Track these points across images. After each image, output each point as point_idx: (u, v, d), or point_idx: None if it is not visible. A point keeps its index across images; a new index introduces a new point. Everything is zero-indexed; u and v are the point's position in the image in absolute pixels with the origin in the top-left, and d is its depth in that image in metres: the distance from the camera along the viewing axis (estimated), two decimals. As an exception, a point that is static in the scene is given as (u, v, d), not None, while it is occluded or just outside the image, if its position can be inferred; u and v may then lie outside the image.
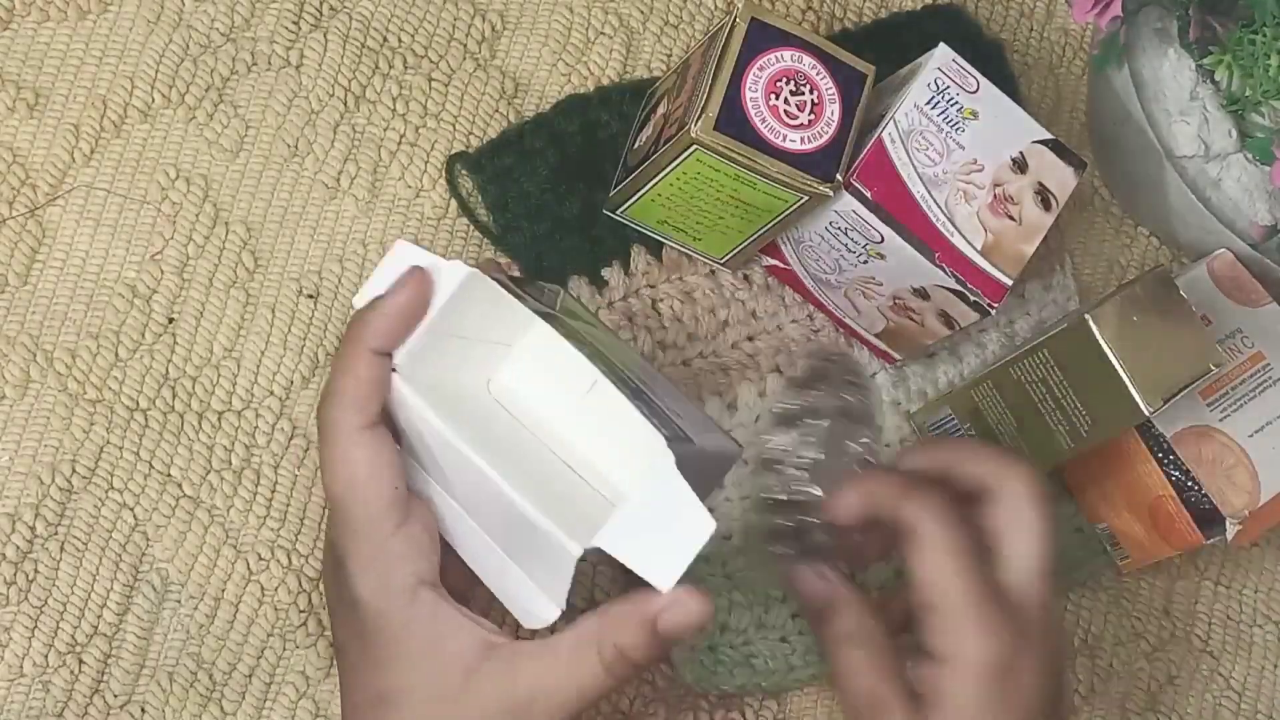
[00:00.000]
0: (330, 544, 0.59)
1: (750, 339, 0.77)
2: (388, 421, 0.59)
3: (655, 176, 0.70)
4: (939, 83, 0.71)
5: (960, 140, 0.70)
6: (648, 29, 0.79)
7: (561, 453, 0.60)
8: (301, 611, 0.71)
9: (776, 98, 0.68)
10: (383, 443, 0.57)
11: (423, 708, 0.57)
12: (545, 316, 0.59)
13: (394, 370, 0.57)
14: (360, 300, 0.58)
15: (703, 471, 0.60)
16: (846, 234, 0.71)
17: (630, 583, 0.56)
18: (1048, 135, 0.72)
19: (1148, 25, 0.78)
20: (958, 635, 0.59)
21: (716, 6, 0.80)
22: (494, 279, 0.59)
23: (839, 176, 0.68)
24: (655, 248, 0.76)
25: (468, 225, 0.75)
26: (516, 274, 0.63)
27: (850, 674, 0.61)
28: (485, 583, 0.60)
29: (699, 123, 0.67)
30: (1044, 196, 0.71)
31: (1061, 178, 0.72)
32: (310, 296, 0.73)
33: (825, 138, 0.68)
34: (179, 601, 0.70)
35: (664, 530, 0.55)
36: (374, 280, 0.58)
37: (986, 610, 0.59)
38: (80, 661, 0.68)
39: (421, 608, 0.57)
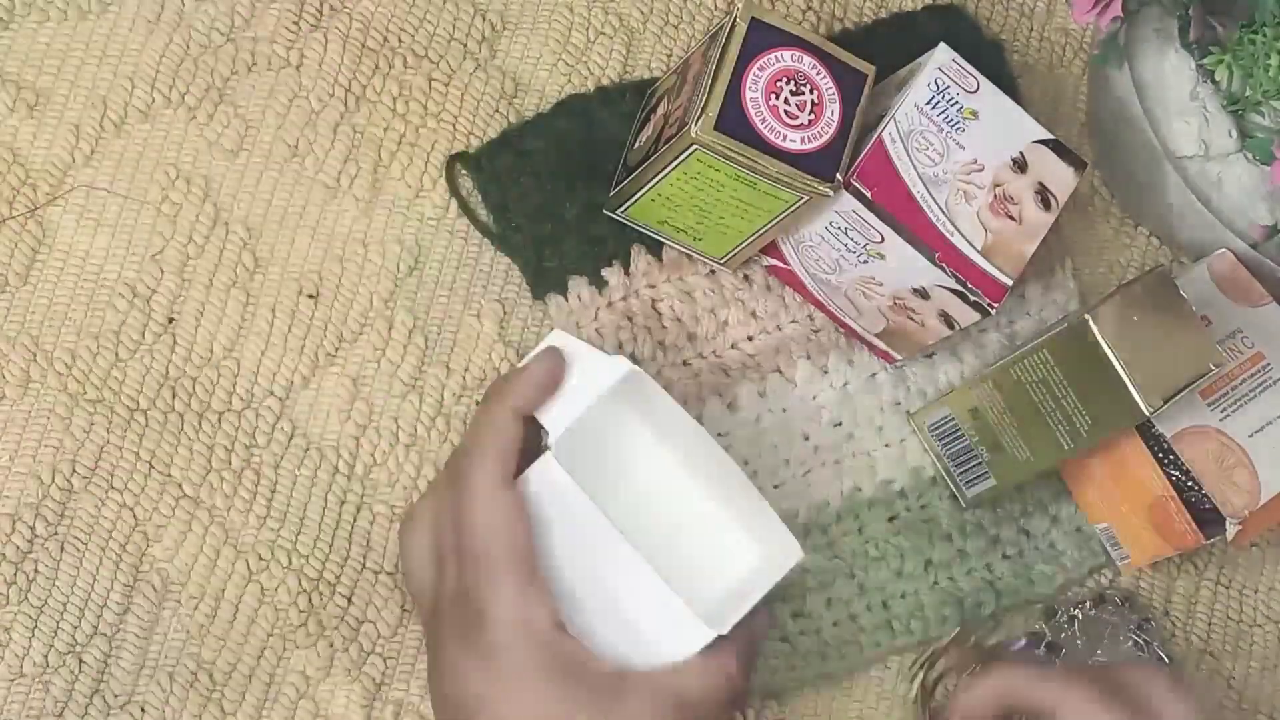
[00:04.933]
0: (460, 598, 0.61)
1: (750, 339, 0.77)
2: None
3: (655, 176, 0.70)
4: (939, 83, 0.71)
5: (960, 140, 0.70)
6: (648, 29, 0.79)
7: (698, 538, 0.65)
8: (301, 611, 0.71)
9: (776, 98, 0.68)
10: (519, 497, 0.61)
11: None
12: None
13: (546, 447, 0.62)
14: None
15: None
16: (846, 234, 0.71)
17: None
18: (1048, 135, 0.72)
19: (1148, 25, 0.78)
20: None
21: (716, 6, 0.80)
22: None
23: (839, 176, 0.68)
24: (655, 248, 0.76)
25: (468, 225, 0.75)
26: None
27: None
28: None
29: (699, 123, 0.66)
30: (1044, 196, 0.71)
31: (1061, 178, 0.72)
32: (310, 296, 0.73)
33: (825, 138, 0.68)
34: (179, 601, 0.70)
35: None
36: (529, 356, 0.65)
37: None
38: (80, 661, 0.68)
39: (562, 644, 0.60)
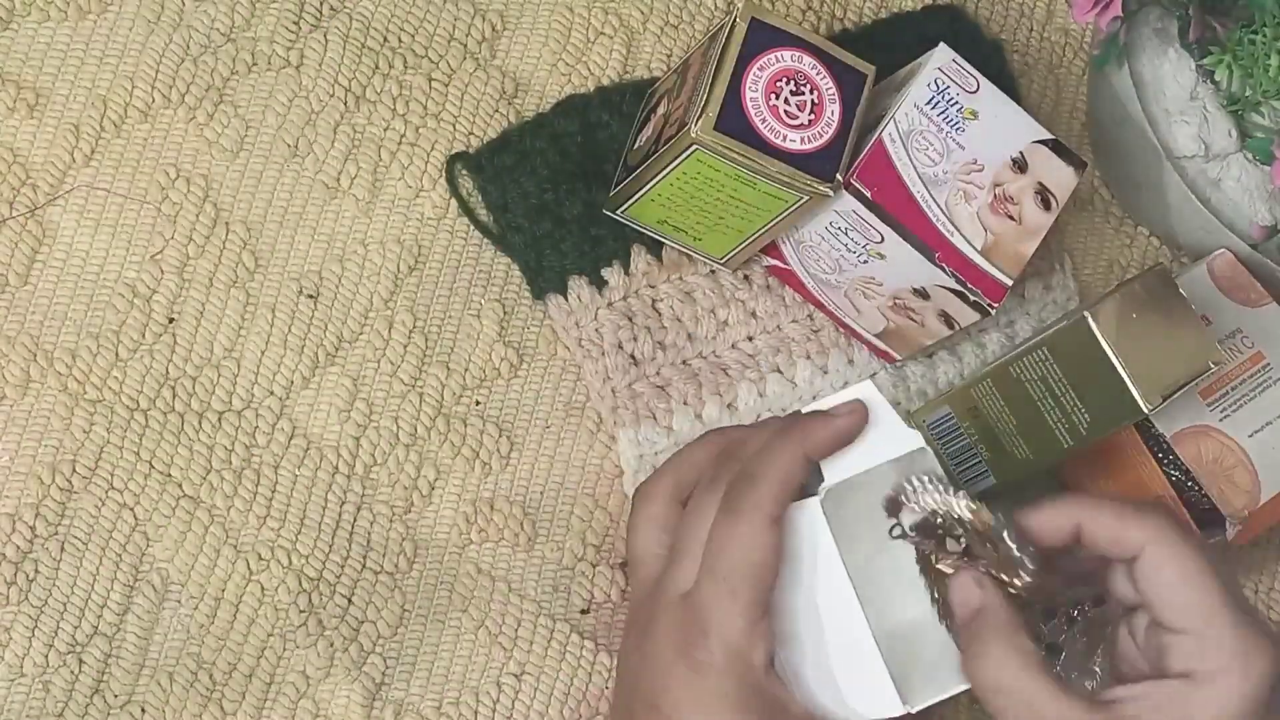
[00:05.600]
0: (693, 606, 0.62)
1: (750, 339, 0.77)
2: None
3: (655, 176, 0.70)
4: (939, 83, 0.71)
5: (960, 140, 0.70)
6: (648, 29, 0.79)
7: (922, 620, 0.66)
8: (301, 611, 0.71)
9: (776, 98, 0.68)
10: (781, 537, 0.63)
11: None
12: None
13: (815, 493, 0.64)
14: (810, 408, 0.65)
15: None
16: (846, 234, 0.71)
17: None
18: (1048, 135, 0.72)
19: (1148, 25, 0.78)
20: (1220, 654, 0.60)
21: (716, 6, 0.80)
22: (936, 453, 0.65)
23: (839, 176, 0.68)
24: (655, 248, 0.76)
25: (468, 225, 0.75)
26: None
27: (1008, 678, 0.62)
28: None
29: (699, 123, 0.67)
30: (1044, 196, 0.71)
31: (1061, 178, 0.72)
32: (310, 296, 0.73)
33: (825, 138, 0.68)
34: (179, 601, 0.70)
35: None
36: (828, 399, 0.66)
37: (1248, 628, 0.60)
38: (80, 661, 0.68)
39: (770, 685, 0.62)
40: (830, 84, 0.69)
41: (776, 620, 0.64)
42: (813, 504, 0.64)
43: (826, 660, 0.64)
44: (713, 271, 0.77)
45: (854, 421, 0.64)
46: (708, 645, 0.62)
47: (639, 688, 0.64)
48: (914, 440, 0.65)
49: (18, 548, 0.68)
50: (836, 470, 0.65)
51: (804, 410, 0.66)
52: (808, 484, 0.65)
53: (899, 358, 0.77)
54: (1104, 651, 0.76)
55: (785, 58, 0.68)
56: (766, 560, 0.62)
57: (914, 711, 0.64)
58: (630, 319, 0.76)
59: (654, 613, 0.64)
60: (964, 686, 0.64)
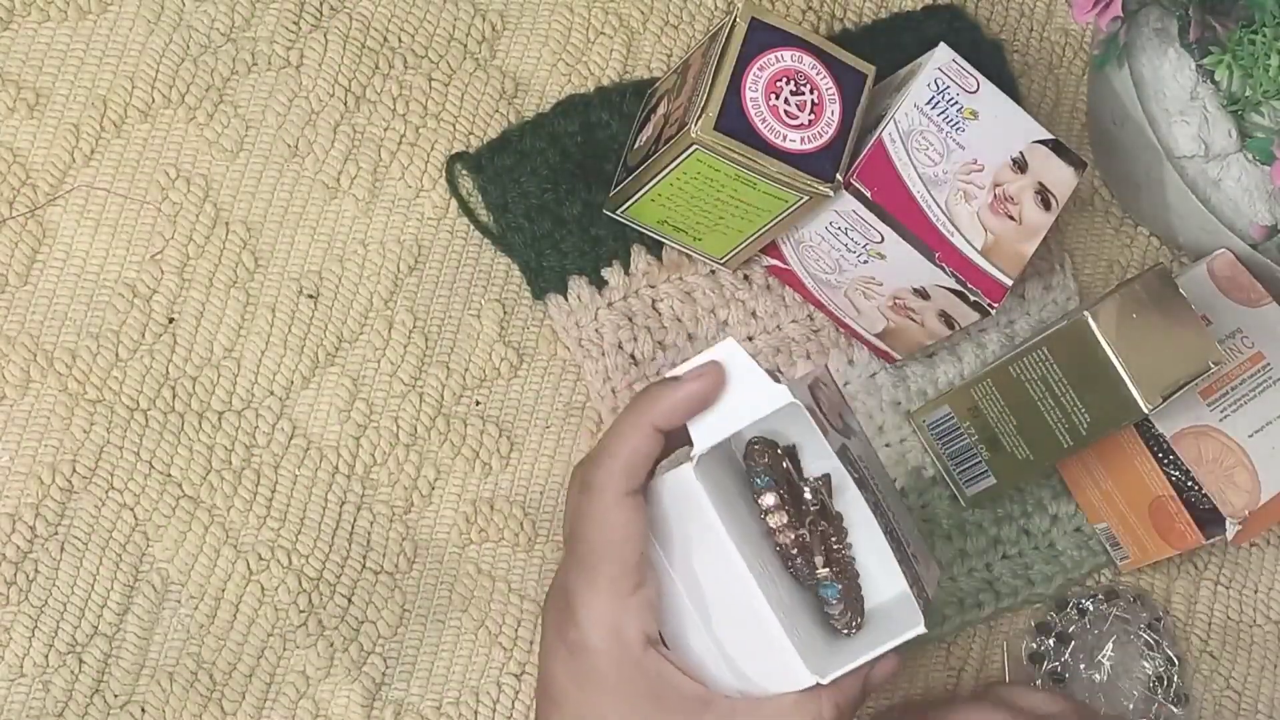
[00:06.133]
0: (563, 589, 0.62)
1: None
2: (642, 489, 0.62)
3: (655, 176, 0.70)
4: (939, 83, 0.71)
5: (960, 140, 0.70)
6: (648, 29, 0.79)
7: (807, 598, 0.64)
8: (301, 611, 0.71)
9: (776, 98, 0.68)
10: (639, 510, 0.61)
11: None
12: (841, 448, 0.63)
13: (691, 461, 0.61)
14: (669, 374, 0.62)
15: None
16: (846, 234, 0.71)
17: None
18: (1048, 135, 0.72)
19: (1148, 25, 0.78)
20: None
21: (716, 6, 0.80)
22: (808, 407, 0.61)
23: (839, 176, 0.68)
24: (655, 248, 0.76)
25: (468, 225, 0.75)
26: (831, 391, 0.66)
27: None
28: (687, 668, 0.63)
29: (699, 123, 0.67)
30: (1044, 196, 0.71)
31: (1061, 178, 0.72)
32: (310, 296, 0.73)
33: (825, 138, 0.68)
34: (179, 601, 0.70)
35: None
36: (686, 364, 0.62)
37: None
38: (80, 661, 0.68)
39: (650, 661, 0.60)
40: (830, 84, 0.69)
41: (668, 595, 0.62)
42: (685, 471, 0.61)
43: (722, 633, 0.62)
44: (713, 271, 0.77)
45: (703, 385, 0.61)
46: (577, 626, 0.61)
47: (540, 679, 0.64)
48: (782, 396, 0.61)
49: (18, 548, 0.68)
50: (705, 434, 0.61)
51: (662, 375, 0.64)
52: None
53: (899, 358, 0.77)
54: (1114, 646, 0.76)
55: (785, 58, 0.68)
56: (624, 536, 0.60)
57: (825, 683, 0.61)
58: (630, 319, 0.76)
59: (546, 599, 0.64)
60: (878, 652, 0.62)
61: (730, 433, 0.61)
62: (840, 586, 0.62)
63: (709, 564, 0.61)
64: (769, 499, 0.62)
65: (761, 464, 0.62)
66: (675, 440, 0.62)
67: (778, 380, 0.60)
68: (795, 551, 0.62)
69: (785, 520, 0.62)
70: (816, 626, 0.63)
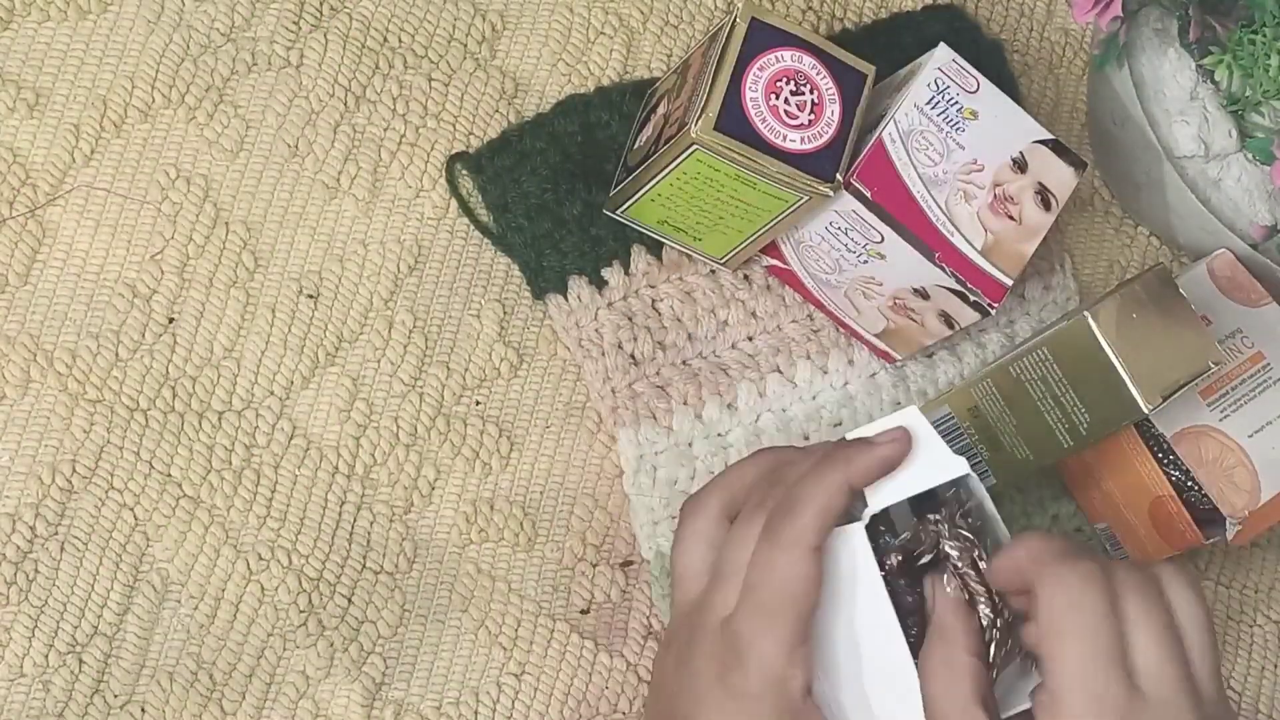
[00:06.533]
0: (732, 633, 0.63)
1: (750, 339, 0.77)
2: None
3: (655, 176, 0.70)
4: (939, 83, 0.71)
5: (960, 140, 0.70)
6: (648, 29, 0.79)
7: None
8: (301, 611, 0.71)
9: (776, 98, 0.68)
10: (820, 565, 0.62)
11: None
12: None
13: (857, 517, 0.63)
14: (855, 434, 0.64)
15: None
16: (846, 234, 0.71)
17: None
18: (1048, 135, 0.72)
19: (1148, 25, 0.78)
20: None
21: (716, 6, 0.80)
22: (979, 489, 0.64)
23: (839, 176, 0.68)
24: (655, 248, 0.76)
25: (468, 225, 0.75)
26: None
27: (950, 700, 0.62)
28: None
29: (699, 123, 0.67)
30: (1044, 196, 0.71)
31: (1061, 178, 0.72)
32: (310, 296, 0.73)
33: (825, 138, 0.68)
34: (179, 601, 0.70)
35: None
36: (872, 425, 0.65)
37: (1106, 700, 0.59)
38: (80, 661, 0.68)
39: (807, 712, 0.62)
40: (830, 84, 0.69)
41: (817, 648, 0.63)
42: (856, 530, 0.63)
43: (866, 689, 0.64)
44: (713, 271, 0.77)
45: (896, 450, 0.63)
46: (744, 672, 0.62)
47: (676, 710, 0.65)
48: (959, 466, 0.64)
49: (18, 548, 0.68)
50: (880, 496, 0.64)
51: (849, 436, 0.65)
52: (852, 508, 0.64)
53: (899, 358, 0.77)
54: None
55: (785, 58, 0.68)
56: (805, 590, 0.62)
57: None
58: (630, 319, 0.76)
59: (693, 635, 0.64)
60: (1009, 712, 0.63)
61: (906, 496, 0.63)
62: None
63: (863, 619, 0.63)
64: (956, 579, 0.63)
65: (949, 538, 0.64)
66: None
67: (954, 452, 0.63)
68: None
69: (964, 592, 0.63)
70: None
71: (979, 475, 0.75)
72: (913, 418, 0.64)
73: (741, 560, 0.64)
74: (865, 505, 0.64)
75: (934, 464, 0.64)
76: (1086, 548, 0.64)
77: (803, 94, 0.68)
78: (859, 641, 0.63)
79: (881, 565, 0.63)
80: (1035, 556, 0.61)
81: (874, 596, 0.62)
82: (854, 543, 0.63)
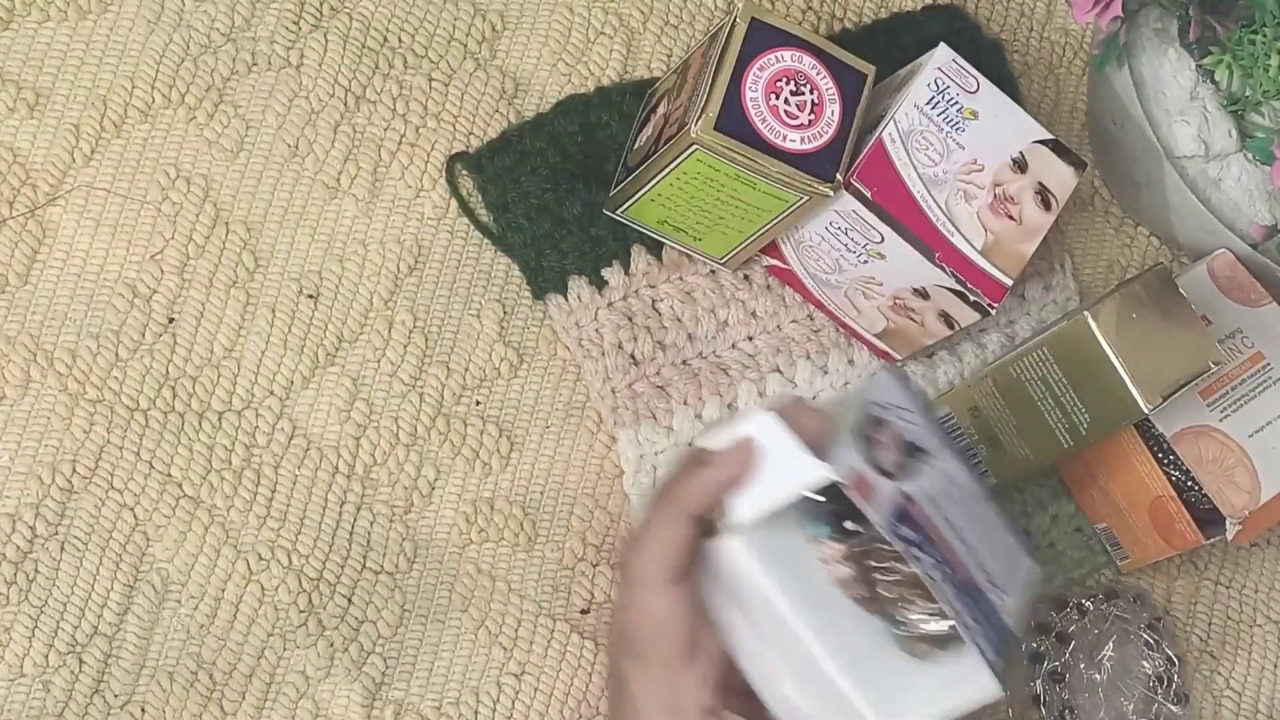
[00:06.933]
0: (617, 676, 0.64)
1: (750, 339, 0.77)
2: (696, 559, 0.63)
3: (655, 176, 0.70)
4: (939, 83, 0.71)
5: (960, 140, 0.70)
6: (648, 29, 0.79)
7: (881, 646, 0.64)
8: (301, 611, 0.71)
9: (777, 98, 0.68)
10: (683, 594, 0.62)
11: None
12: (899, 511, 0.62)
13: (735, 532, 0.61)
14: (704, 443, 0.62)
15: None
16: (846, 234, 0.71)
17: None
18: (1048, 135, 0.72)
19: (1148, 25, 0.78)
20: None
21: (716, 6, 0.80)
22: (853, 482, 0.61)
23: (839, 176, 0.68)
24: (655, 248, 0.76)
25: (468, 225, 0.75)
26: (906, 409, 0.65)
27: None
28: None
29: (699, 123, 0.67)
30: (1044, 196, 0.71)
31: (1061, 178, 0.72)
32: (310, 296, 0.73)
33: (825, 138, 0.68)
34: (179, 601, 0.70)
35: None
36: (722, 433, 0.62)
37: None
38: (80, 661, 0.68)
39: None
40: (830, 84, 0.69)
41: (761, 657, 0.63)
42: (734, 546, 0.62)
43: (795, 697, 0.63)
44: (713, 271, 0.77)
45: (733, 472, 0.62)
46: (635, 710, 0.63)
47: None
48: (824, 475, 0.60)
49: (18, 548, 0.68)
50: (741, 509, 0.62)
51: (697, 441, 0.64)
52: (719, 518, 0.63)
53: (899, 358, 0.77)
54: (1114, 646, 0.76)
55: (785, 58, 0.68)
56: (666, 621, 0.62)
57: None
58: (630, 319, 0.76)
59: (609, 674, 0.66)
60: (949, 716, 0.62)
61: (766, 512, 0.61)
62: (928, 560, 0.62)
63: (771, 626, 0.62)
64: (825, 549, 0.63)
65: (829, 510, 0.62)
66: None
67: (825, 447, 0.60)
68: (855, 574, 0.62)
69: (840, 553, 0.62)
70: (883, 679, 0.62)
71: (979, 475, 0.75)
72: (765, 424, 0.61)
73: (616, 618, 0.65)
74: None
75: (794, 468, 0.61)
76: None
77: (803, 94, 0.68)
78: (773, 646, 0.63)
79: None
80: None
81: (772, 606, 0.61)
82: (733, 555, 0.62)
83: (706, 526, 0.62)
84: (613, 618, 0.64)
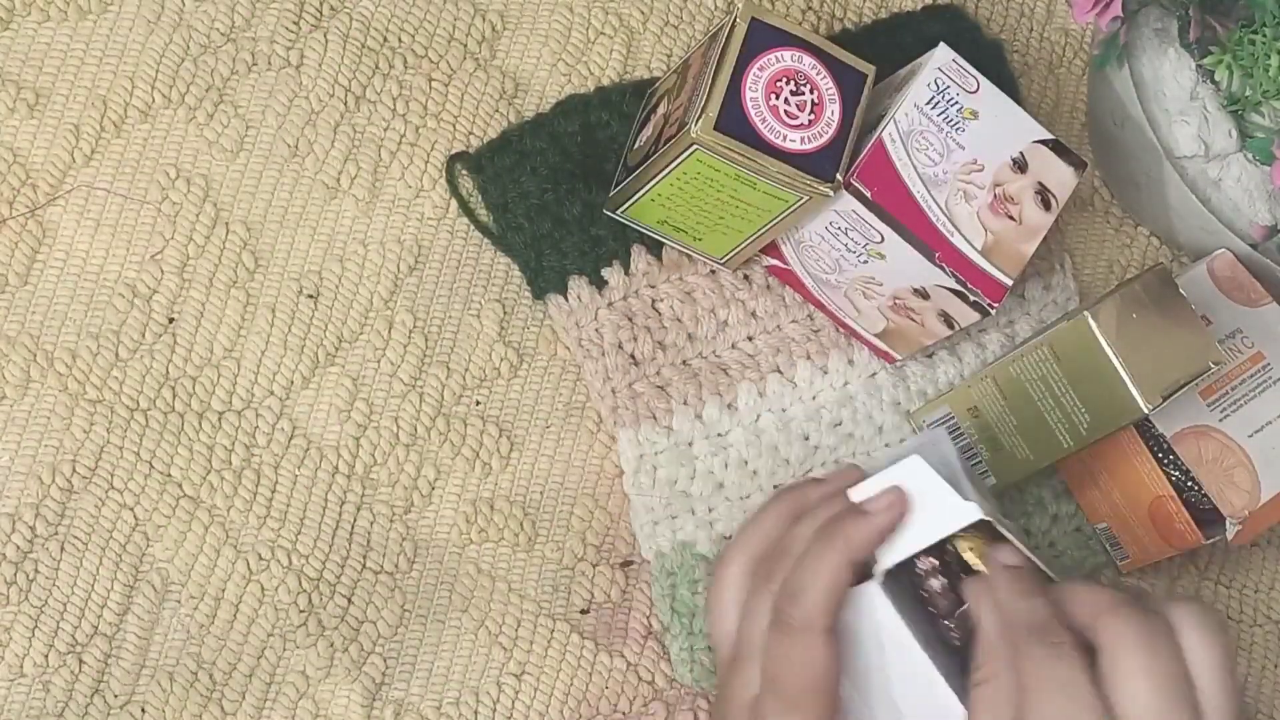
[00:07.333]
0: (759, 714, 0.63)
1: (750, 339, 0.77)
2: None
3: (655, 176, 0.70)
4: (939, 83, 0.71)
5: (960, 140, 0.70)
6: (648, 29, 0.79)
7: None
8: (301, 611, 0.71)
9: (777, 98, 0.68)
10: (836, 645, 0.62)
11: None
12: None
13: (876, 579, 0.62)
14: (857, 495, 0.63)
15: None
16: (846, 234, 0.71)
17: None
18: (1048, 135, 0.72)
19: (1148, 25, 0.78)
20: None
21: (716, 6, 0.80)
22: (1000, 524, 0.63)
23: (839, 176, 0.68)
24: (655, 248, 0.76)
25: (468, 225, 0.75)
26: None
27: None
28: None
29: (699, 123, 0.67)
30: (1044, 196, 0.71)
31: (1061, 178, 0.72)
32: (310, 296, 0.73)
33: (825, 138, 0.68)
34: (179, 601, 0.70)
35: None
36: (874, 480, 0.63)
37: None
38: (80, 661, 0.68)
39: None
40: (830, 84, 0.69)
41: (859, 712, 0.63)
42: (870, 590, 0.62)
43: None
44: (713, 271, 0.77)
45: (892, 517, 0.63)
46: None
47: None
48: (972, 514, 0.62)
49: (18, 548, 0.68)
50: (891, 553, 0.63)
51: (851, 495, 0.64)
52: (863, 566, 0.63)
53: (899, 358, 0.77)
54: None
55: (785, 58, 0.68)
56: (822, 673, 0.62)
57: None
58: (630, 319, 0.76)
59: (728, 709, 0.65)
60: None
61: (916, 551, 0.62)
62: None
63: (898, 674, 0.62)
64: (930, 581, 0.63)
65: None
66: None
67: (963, 493, 0.62)
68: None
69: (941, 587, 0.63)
70: None
71: (979, 475, 0.75)
72: (916, 467, 0.63)
73: (755, 637, 0.64)
74: (874, 561, 0.63)
75: (941, 510, 0.62)
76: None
77: (803, 94, 0.68)
78: (900, 696, 0.63)
79: (924, 591, 0.63)
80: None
81: (902, 648, 0.62)
82: (871, 602, 0.62)
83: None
84: (768, 653, 0.63)
